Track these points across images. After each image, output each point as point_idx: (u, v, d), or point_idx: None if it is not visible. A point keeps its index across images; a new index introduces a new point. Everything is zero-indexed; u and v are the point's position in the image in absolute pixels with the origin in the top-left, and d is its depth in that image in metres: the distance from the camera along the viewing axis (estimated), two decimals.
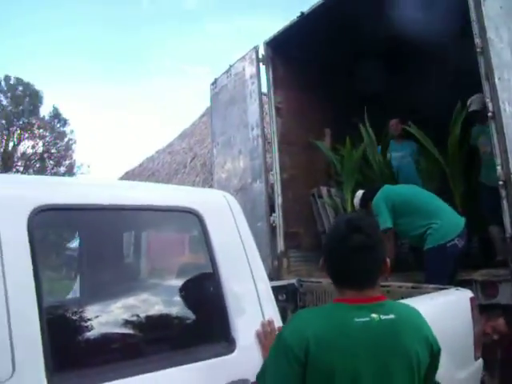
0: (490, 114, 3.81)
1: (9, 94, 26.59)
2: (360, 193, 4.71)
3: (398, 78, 5.57)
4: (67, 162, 28.53)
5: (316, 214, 6.11)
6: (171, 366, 1.78)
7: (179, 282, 2.17)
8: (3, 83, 26.65)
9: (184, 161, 10.85)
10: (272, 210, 5.79)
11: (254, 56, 6.01)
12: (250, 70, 6.06)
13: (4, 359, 1.49)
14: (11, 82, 26.74)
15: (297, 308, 4.16)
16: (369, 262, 1.64)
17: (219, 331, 2.02)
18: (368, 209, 4.45)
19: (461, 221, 4.14)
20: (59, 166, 28.24)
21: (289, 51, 5.91)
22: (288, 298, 4.15)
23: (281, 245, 5.70)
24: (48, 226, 1.79)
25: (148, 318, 2.01)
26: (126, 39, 49.74)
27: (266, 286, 2.17)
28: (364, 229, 1.64)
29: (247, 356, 1.86)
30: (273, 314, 2.12)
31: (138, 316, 1.96)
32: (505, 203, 3.72)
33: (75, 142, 28.77)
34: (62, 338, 1.78)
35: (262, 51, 6.02)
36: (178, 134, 14.12)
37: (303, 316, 1.73)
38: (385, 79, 5.43)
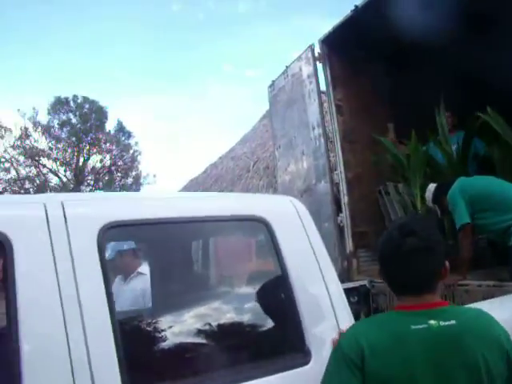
0: None
1: (77, 113, 27.96)
2: (432, 186, 4.43)
3: (469, 67, 5.28)
4: (134, 173, 29.60)
5: (384, 211, 5.91)
6: (245, 380, 1.74)
7: (250, 292, 2.13)
8: (72, 103, 28.07)
9: (247, 165, 10.89)
10: (338, 209, 5.68)
11: (310, 55, 5.93)
12: (307, 69, 5.98)
13: (84, 376, 1.51)
14: (79, 101, 28.12)
15: (370, 310, 4.04)
16: (425, 267, 1.58)
17: (293, 341, 1.97)
18: (442, 204, 4.21)
19: None
20: (126, 178, 29.36)
21: (345, 47, 5.77)
22: (360, 300, 4.04)
23: (349, 245, 5.58)
24: (116, 241, 1.82)
25: (221, 330, 1.99)
26: (179, 48, 50.68)
27: (338, 291, 2.11)
28: (418, 232, 1.58)
29: (323, 367, 1.73)
30: (347, 319, 2.04)
31: (210, 328, 1.95)
32: None
33: (140, 154, 29.83)
34: (137, 352, 1.80)
35: (317, 49, 5.92)
36: (238, 138, 14.23)
37: (359, 325, 1.73)
38: (454, 68, 5.17)
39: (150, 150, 45.99)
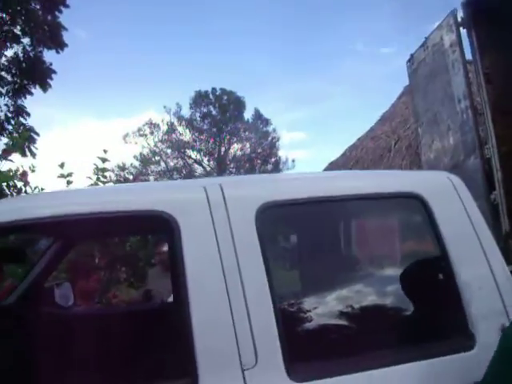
0: None
1: (216, 105, 29.41)
2: None
3: None
4: (273, 160, 30.37)
5: None
6: (401, 363, 1.70)
7: (407, 272, 2.05)
8: (211, 96, 29.58)
9: (388, 145, 10.50)
10: (491, 187, 5.26)
11: (451, 22, 5.50)
12: (449, 37, 5.57)
13: (248, 348, 1.59)
14: (217, 93, 29.52)
15: None
16: None
17: (454, 325, 1.87)
18: None
19: None
20: (266, 165, 30.26)
21: (493, 7, 5.27)
22: None
23: (505, 224, 5.12)
24: (272, 221, 1.89)
25: (378, 310, 1.97)
26: (309, 33, 50.12)
27: (505, 273, 1.94)
28: None
29: (490, 354, 1.57)
30: None
31: (366, 308, 1.93)
32: None
33: (278, 140, 30.48)
34: (295, 329, 1.85)
35: (460, 15, 5.50)
36: (377, 118, 13.80)
37: None
38: None
39: (288, 136, 46.62)
